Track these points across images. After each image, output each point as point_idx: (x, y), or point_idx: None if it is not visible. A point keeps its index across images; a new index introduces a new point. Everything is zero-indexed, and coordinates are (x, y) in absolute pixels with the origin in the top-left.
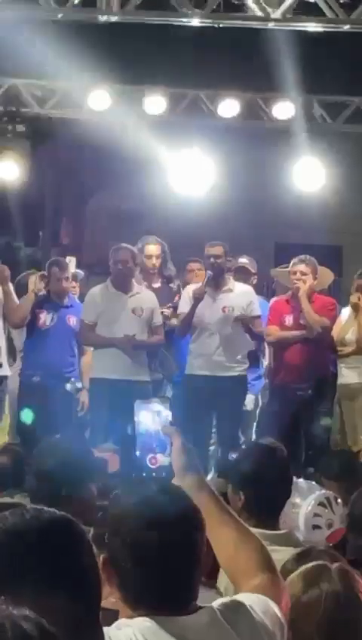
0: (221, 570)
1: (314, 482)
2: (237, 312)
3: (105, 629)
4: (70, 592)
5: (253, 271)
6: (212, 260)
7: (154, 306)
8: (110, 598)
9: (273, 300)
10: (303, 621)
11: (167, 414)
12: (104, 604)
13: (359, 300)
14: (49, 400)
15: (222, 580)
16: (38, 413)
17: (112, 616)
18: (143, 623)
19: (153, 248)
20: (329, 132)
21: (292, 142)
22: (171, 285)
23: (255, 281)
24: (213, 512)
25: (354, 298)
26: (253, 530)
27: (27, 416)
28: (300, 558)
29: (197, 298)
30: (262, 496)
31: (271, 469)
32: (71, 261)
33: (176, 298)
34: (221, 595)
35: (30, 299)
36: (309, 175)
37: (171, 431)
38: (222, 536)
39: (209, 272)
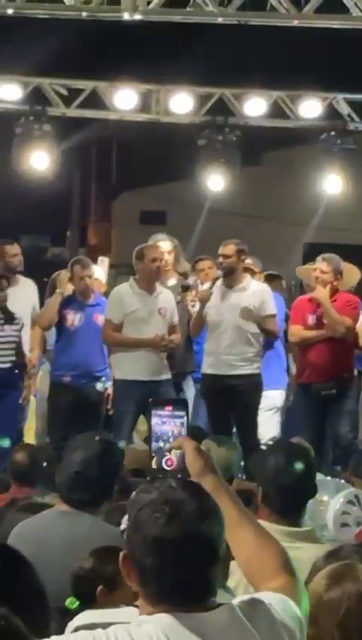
0: (231, 568)
1: (342, 480)
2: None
3: (125, 626)
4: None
5: (257, 270)
6: (220, 259)
7: (173, 305)
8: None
9: (297, 299)
10: (324, 619)
11: (182, 416)
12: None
13: None
14: (80, 400)
15: (233, 578)
16: (69, 414)
17: None
18: (163, 619)
19: (165, 245)
20: (357, 131)
21: (320, 141)
22: (188, 280)
23: (261, 280)
24: (232, 513)
25: None
26: (275, 526)
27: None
28: (330, 556)
29: (202, 300)
30: (284, 493)
31: (294, 465)
32: (103, 261)
33: (194, 294)
34: (231, 593)
35: (56, 301)
36: (337, 175)
37: (180, 441)
38: (241, 537)
39: (218, 272)
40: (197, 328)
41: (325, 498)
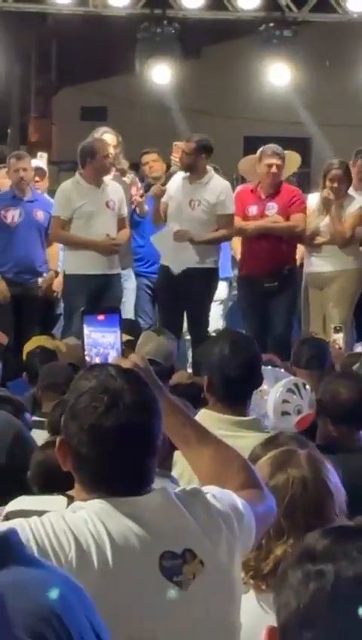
0: (175, 458)
1: (282, 370)
2: (202, 206)
3: (60, 512)
4: None
5: None
6: (181, 154)
7: (122, 197)
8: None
9: (237, 189)
10: None
11: (115, 327)
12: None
13: (328, 194)
14: (22, 295)
15: (177, 467)
16: (13, 310)
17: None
18: (97, 504)
19: (111, 138)
20: (295, 22)
21: (259, 33)
22: (124, 179)
23: None
24: (189, 431)
25: (324, 192)
26: (220, 415)
27: None
28: (268, 444)
29: (156, 196)
30: (229, 382)
31: (238, 354)
32: (42, 157)
33: (134, 190)
34: (177, 483)
35: None
36: (278, 67)
37: (116, 360)
38: (202, 454)
39: (173, 168)
40: (158, 221)
41: (265, 387)
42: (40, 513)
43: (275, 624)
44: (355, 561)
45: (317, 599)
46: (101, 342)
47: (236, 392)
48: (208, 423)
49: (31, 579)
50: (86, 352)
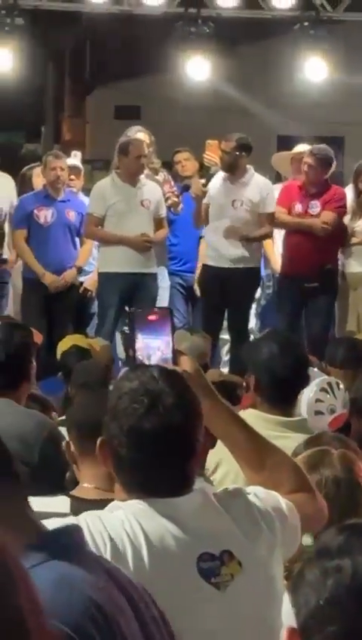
0: (221, 457)
1: (315, 369)
2: (245, 206)
3: (97, 512)
4: None
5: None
6: (221, 154)
7: (160, 197)
8: (85, 484)
9: (287, 182)
10: None
11: (167, 329)
12: (79, 493)
13: None
14: (53, 295)
15: (223, 467)
16: (43, 310)
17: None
18: (135, 505)
19: (143, 137)
20: (330, 21)
21: (294, 33)
22: (157, 177)
23: None
24: (239, 436)
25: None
26: (267, 415)
27: None
28: (310, 444)
29: (197, 196)
30: (277, 382)
31: (287, 354)
32: (76, 155)
33: (167, 187)
34: (209, 481)
35: (33, 265)
36: (311, 65)
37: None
38: (253, 460)
39: (215, 168)
40: (199, 221)
41: None
42: (43, 515)
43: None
44: None
45: (337, 593)
46: (151, 345)
47: (284, 392)
48: (254, 423)
49: (79, 575)
50: (138, 354)
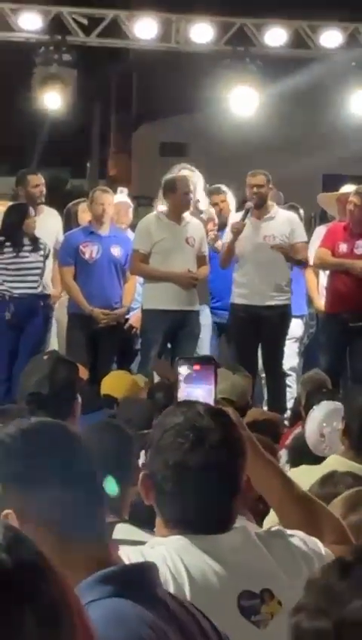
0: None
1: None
2: (278, 240)
3: (139, 547)
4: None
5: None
6: (255, 189)
7: (203, 235)
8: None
9: (331, 224)
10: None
11: (210, 377)
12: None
13: None
14: (98, 331)
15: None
16: (87, 346)
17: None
18: (177, 541)
19: (188, 174)
20: None
21: (341, 71)
22: (202, 215)
23: None
24: (285, 489)
25: None
26: (352, 463)
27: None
28: (324, 482)
29: (235, 232)
30: None
31: None
32: (123, 192)
33: (211, 225)
34: (251, 519)
35: (81, 302)
36: (358, 104)
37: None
38: (291, 509)
39: (249, 203)
40: (228, 260)
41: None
42: None
43: None
44: None
45: None
46: (193, 394)
47: None
48: (337, 468)
49: (133, 613)
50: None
